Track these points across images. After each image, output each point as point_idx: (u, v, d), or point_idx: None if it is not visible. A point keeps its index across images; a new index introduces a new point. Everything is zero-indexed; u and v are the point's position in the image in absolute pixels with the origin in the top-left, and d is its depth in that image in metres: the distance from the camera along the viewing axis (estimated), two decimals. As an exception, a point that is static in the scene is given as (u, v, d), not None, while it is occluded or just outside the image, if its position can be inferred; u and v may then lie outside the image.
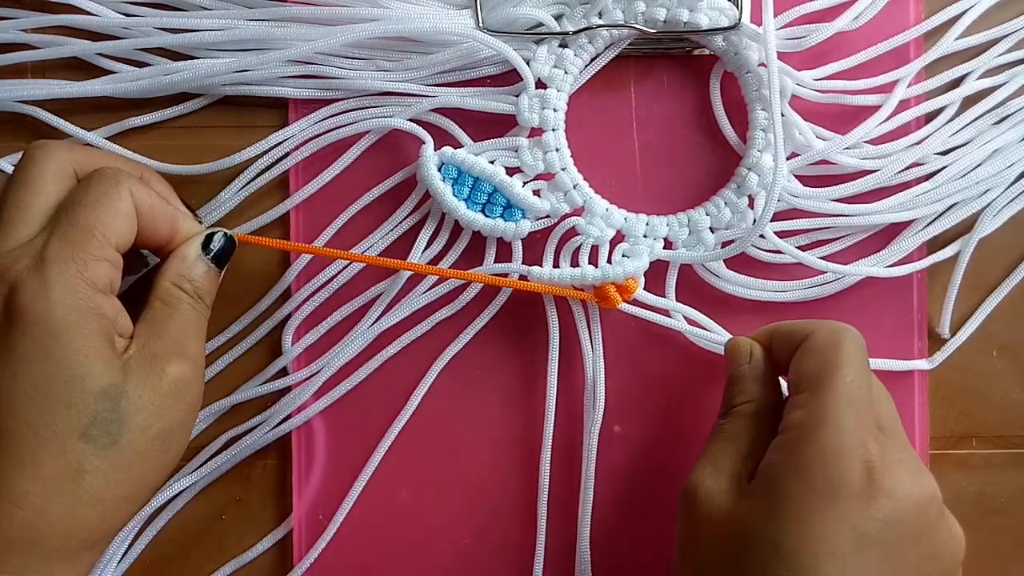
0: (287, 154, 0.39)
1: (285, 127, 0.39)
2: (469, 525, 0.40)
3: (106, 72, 0.39)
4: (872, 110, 0.39)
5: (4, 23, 0.39)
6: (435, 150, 0.38)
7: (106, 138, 0.39)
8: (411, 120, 0.39)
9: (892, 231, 0.40)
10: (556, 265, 0.39)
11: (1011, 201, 0.40)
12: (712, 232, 0.39)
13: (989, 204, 0.39)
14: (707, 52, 0.40)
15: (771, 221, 0.38)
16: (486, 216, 0.38)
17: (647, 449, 0.40)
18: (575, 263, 0.39)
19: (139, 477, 0.31)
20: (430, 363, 0.39)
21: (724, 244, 0.39)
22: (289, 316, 0.40)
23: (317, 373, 0.39)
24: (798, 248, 0.39)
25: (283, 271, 0.40)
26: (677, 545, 0.34)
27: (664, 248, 0.39)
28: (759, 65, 0.39)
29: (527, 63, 0.38)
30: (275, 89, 0.39)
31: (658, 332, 0.40)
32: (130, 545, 0.39)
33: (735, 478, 0.33)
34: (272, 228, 0.40)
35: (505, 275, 0.38)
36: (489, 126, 0.39)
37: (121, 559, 0.39)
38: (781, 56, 0.38)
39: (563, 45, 0.39)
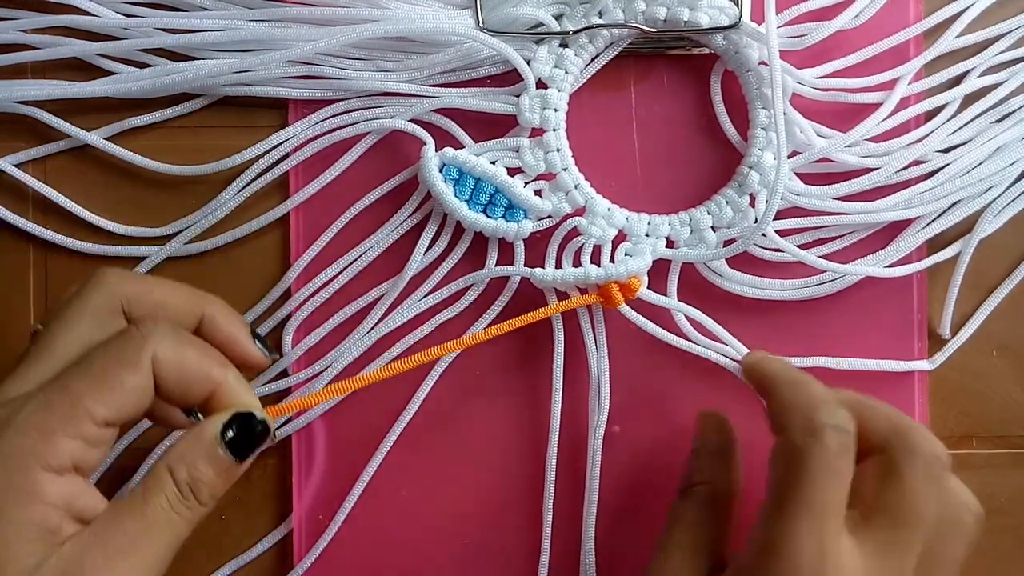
0: (287, 155, 0.39)
1: (285, 127, 0.39)
2: (469, 525, 0.40)
3: (106, 73, 0.39)
4: (873, 108, 0.39)
5: (4, 23, 0.39)
6: (436, 151, 0.38)
7: (106, 138, 0.39)
8: (412, 121, 0.39)
9: (893, 230, 0.40)
10: (559, 266, 0.39)
11: (1012, 201, 0.40)
12: (714, 231, 0.39)
13: (990, 204, 0.39)
14: (707, 51, 0.40)
15: (772, 219, 0.38)
16: (488, 217, 0.38)
17: (647, 449, 0.40)
18: (577, 263, 0.39)
19: None
20: (432, 365, 0.39)
21: (726, 243, 0.39)
22: (289, 316, 0.40)
23: (318, 375, 0.39)
24: (799, 247, 0.39)
25: (283, 271, 0.40)
26: None
27: (666, 247, 0.39)
28: (760, 64, 0.39)
29: (527, 63, 0.38)
30: (275, 89, 0.39)
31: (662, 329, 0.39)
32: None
33: (694, 572, 0.32)
34: (272, 229, 0.40)
35: (525, 314, 0.37)
36: (490, 126, 0.39)
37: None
38: (781, 54, 0.38)
39: (563, 45, 0.39)
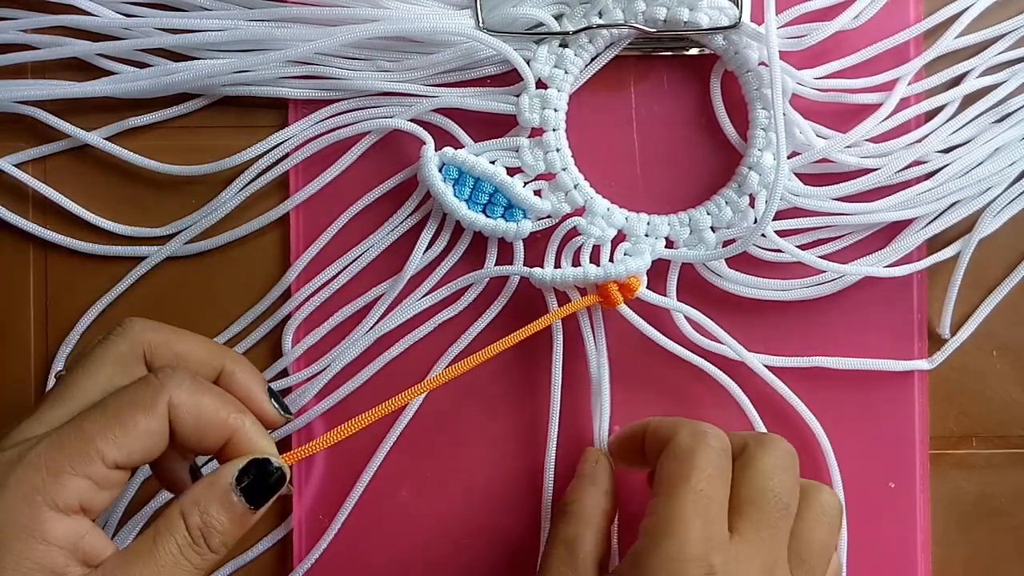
0: (287, 155, 0.39)
1: (285, 127, 0.39)
2: (469, 525, 0.40)
3: (106, 72, 0.39)
4: (872, 109, 0.39)
5: (4, 23, 0.39)
6: (436, 150, 0.38)
7: (106, 138, 0.39)
8: (412, 120, 0.39)
9: (892, 230, 0.40)
10: (558, 265, 0.39)
11: (1012, 201, 0.40)
12: (713, 231, 0.39)
13: (990, 204, 0.39)
14: (707, 51, 0.40)
15: (772, 220, 0.38)
16: (487, 217, 0.38)
17: (647, 449, 0.40)
18: (576, 263, 0.39)
19: None
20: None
21: (725, 243, 0.39)
22: (289, 316, 0.40)
23: (318, 375, 0.39)
24: (798, 247, 0.39)
25: (283, 271, 0.40)
26: None
27: (665, 248, 0.39)
28: (759, 64, 0.39)
29: (527, 63, 0.38)
30: (275, 89, 0.39)
31: (660, 332, 0.39)
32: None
33: None
34: (272, 228, 0.40)
35: (527, 322, 0.37)
36: (490, 126, 0.39)
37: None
38: (781, 55, 0.38)
39: (563, 45, 0.39)
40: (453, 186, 0.38)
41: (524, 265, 0.39)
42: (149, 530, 0.28)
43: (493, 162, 0.39)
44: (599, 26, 0.38)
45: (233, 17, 0.38)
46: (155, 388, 0.29)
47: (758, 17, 0.38)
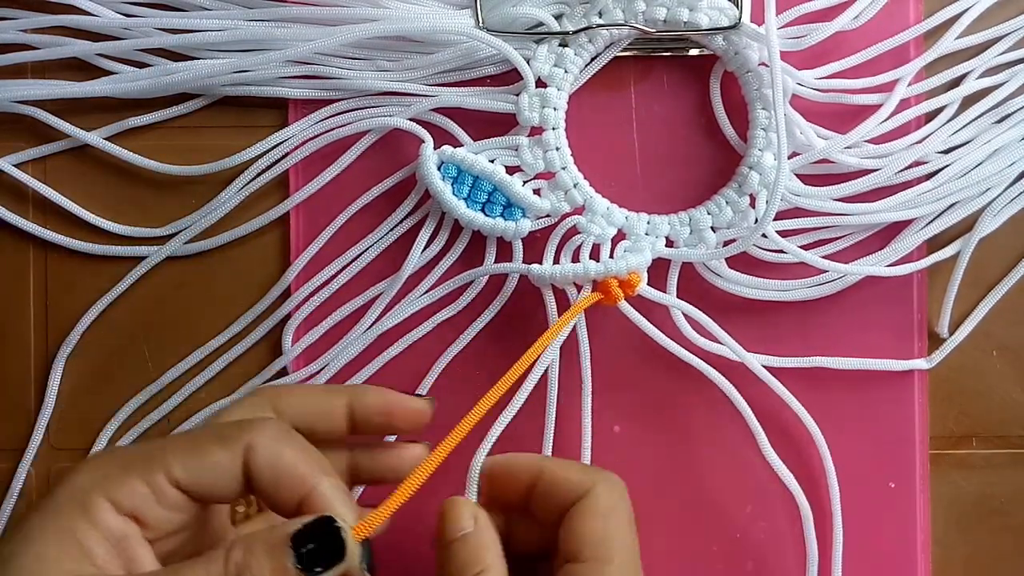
0: (287, 154, 0.39)
1: (285, 127, 0.39)
2: (469, 525, 0.40)
3: (106, 72, 0.39)
4: (872, 109, 0.39)
5: (4, 23, 0.39)
6: (435, 149, 0.38)
7: (106, 138, 0.39)
8: (411, 120, 0.39)
9: (893, 230, 0.40)
10: (557, 264, 0.39)
11: (1012, 200, 0.40)
12: (714, 231, 0.39)
13: (990, 203, 0.39)
14: (707, 52, 0.40)
15: (772, 220, 0.38)
16: (486, 215, 0.38)
17: (647, 449, 0.40)
18: (576, 261, 0.39)
19: None
20: (431, 364, 0.39)
21: (726, 243, 0.39)
22: (289, 316, 0.40)
23: (318, 373, 0.39)
24: (799, 247, 0.39)
25: (283, 271, 0.40)
26: None
27: (665, 247, 0.39)
28: (760, 65, 0.39)
29: (527, 62, 0.38)
30: (275, 89, 0.39)
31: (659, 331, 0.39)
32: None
33: None
34: (272, 228, 0.40)
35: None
36: (489, 125, 0.39)
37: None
38: (781, 55, 0.38)
39: (563, 44, 0.39)
40: (452, 184, 0.38)
41: (522, 264, 0.39)
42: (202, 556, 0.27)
43: (492, 161, 0.39)
44: (599, 26, 0.38)
45: (233, 17, 0.38)
46: (239, 427, 0.29)
47: (758, 17, 0.38)
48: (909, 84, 0.39)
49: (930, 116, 0.40)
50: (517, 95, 0.39)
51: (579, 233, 0.39)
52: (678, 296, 0.39)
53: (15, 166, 0.40)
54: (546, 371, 0.38)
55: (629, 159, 0.40)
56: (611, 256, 0.39)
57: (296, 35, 0.38)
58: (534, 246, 0.39)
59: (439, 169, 0.38)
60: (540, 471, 0.32)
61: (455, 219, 0.39)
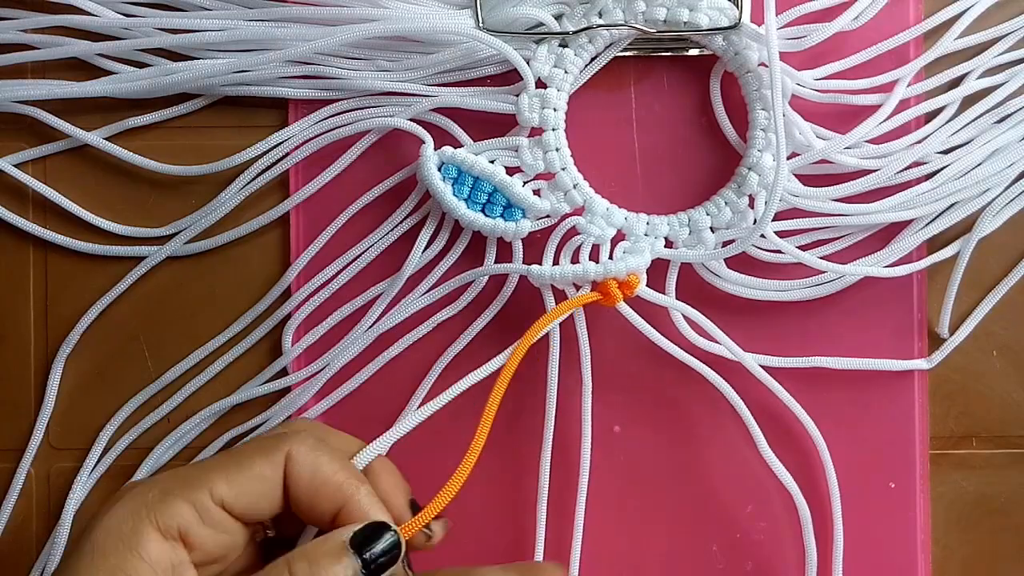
0: (287, 154, 0.39)
1: (285, 127, 0.39)
2: (468, 525, 0.40)
3: (106, 72, 0.39)
4: (872, 110, 0.39)
5: (4, 23, 0.39)
6: (435, 150, 0.38)
7: (105, 138, 0.39)
8: (411, 120, 0.39)
9: (892, 231, 0.40)
10: (556, 264, 0.39)
11: (1011, 201, 0.40)
12: (712, 232, 0.39)
13: (989, 204, 0.39)
14: (707, 52, 0.40)
15: (771, 221, 0.38)
16: (486, 216, 0.38)
17: (647, 449, 0.40)
18: (576, 262, 0.39)
19: None
20: (431, 364, 0.39)
21: (725, 244, 0.39)
22: (289, 316, 0.40)
23: (317, 374, 0.39)
24: (798, 248, 0.39)
25: (283, 271, 0.40)
26: None
27: (665, 248, 0.39)
28: (759, 65, 0.39)
29: (527, 63, 0.38)
30: (275, 89, 0.39)
31: (658, 332, 0.39)
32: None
33: None
34: (272, 228, 0.40)
35: (526, 322, 0.37)
36: (489, 126, 0.39)
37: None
38: (781, 56, 0.38)
39: (563, 45, 0.39)
40: (452, 185, 0.38)
41: (522, 264, 0.39)
42: None
43: (492, 161, 0.39)
44: (599, 26, 0.38)
45: (233, 17, 0.38)
46: (278, 438, 0.30)
47: (758, 18, 0.38)
48: (909, 84, 0.39)
49: (930, 116, 0.40)
50: (517, 95, 0.39)
51: (579, 234, 0.39)
52: (677, 296, 0.39)
53: (15, 166, 0.40)
54: (546, 371, 0.38)
55: (629, 159, 0.40)
56: (610, 257, 0.39)
57: (296, 35, 0.38)
58: (534, 246, 0.39)
59: (439, 170, 0.38)
60: None
61: (455, 220, 0.39)
